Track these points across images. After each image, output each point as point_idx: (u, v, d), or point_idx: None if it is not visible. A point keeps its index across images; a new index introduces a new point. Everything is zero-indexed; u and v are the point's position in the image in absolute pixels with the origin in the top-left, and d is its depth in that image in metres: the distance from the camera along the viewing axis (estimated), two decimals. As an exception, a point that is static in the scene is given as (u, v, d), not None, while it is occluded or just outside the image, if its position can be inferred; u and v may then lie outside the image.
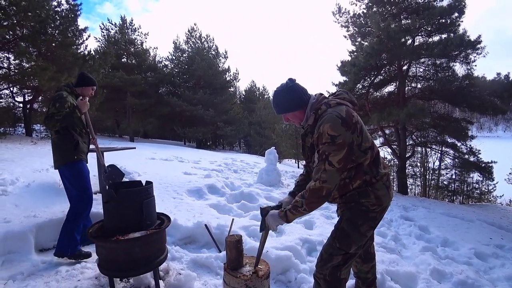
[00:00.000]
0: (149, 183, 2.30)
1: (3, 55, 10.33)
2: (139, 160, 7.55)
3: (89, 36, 12.31)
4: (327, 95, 1.82)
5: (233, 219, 3.43)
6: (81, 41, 11.94)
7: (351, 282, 2.26)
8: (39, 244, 2.81)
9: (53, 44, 10.38)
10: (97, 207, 3.34)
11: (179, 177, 5.82)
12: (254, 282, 1.83)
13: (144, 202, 2.10)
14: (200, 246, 3.18)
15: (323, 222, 4.18)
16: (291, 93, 1.72)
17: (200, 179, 5.86)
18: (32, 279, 2.30)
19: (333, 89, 10.94)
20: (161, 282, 2.26)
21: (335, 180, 1.56)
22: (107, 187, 2.18)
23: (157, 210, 2.41)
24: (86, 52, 11.96)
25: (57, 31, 10.54)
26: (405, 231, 4.68)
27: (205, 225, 3.25)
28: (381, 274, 2.54)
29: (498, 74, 8.29)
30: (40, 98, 11.84)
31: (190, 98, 21.32)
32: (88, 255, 2.65)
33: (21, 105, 11.83)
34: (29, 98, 11.92)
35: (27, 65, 9.68)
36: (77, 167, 2.70)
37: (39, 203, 3.40)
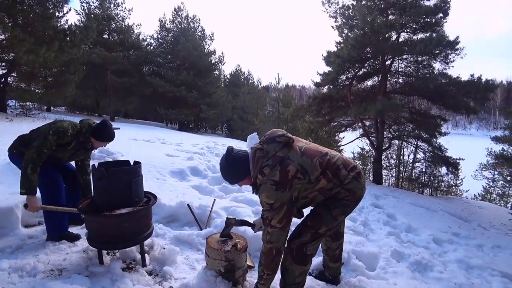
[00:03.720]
0: (137, 163, 2.42)
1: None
2: (122, 141, 7.50)
3: (70, 9, 11.78)
4: (260, 140, 1.98)
5: (214, 200, 3.62)
6: (61, 14, 11.41)
7: (319, 258, 2.51)
8: (24, 220, 2.88)
9: (31, 15, 9.88)
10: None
11: (162, 159, 5.90)
12: (233, 254, 2.03)
13: (133, 181, 2.23)
14: (182, 224, 3.35)
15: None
16: (235, 166, 1.90)
17: (183, 161, 5.97)
18: (21, 252, 2.39)
19: (318, 79, 11.10)
20: (146, 255, 2.43)
21: (280, 237, 1.81)
22: (96, 165, 2.28)
23: (144, 189, 2.54)
24: (67, 26, 11.46)
25: (35, 1, 10.02)
26: (374, 217, 5.03)
27: (188, 205, 3.42)
28: (348, 253, 2.82)
29: (472, 75, 8.62)
30: (15, 72, 11.29)
31: (174, 79, 20.90)
32: (78, 237, 2.61)
33: (-6, 79, 11.24)
34: (3, 72, 11.33)
35: (2, 36, 9.22)
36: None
37: (22, 178, 3.42)
